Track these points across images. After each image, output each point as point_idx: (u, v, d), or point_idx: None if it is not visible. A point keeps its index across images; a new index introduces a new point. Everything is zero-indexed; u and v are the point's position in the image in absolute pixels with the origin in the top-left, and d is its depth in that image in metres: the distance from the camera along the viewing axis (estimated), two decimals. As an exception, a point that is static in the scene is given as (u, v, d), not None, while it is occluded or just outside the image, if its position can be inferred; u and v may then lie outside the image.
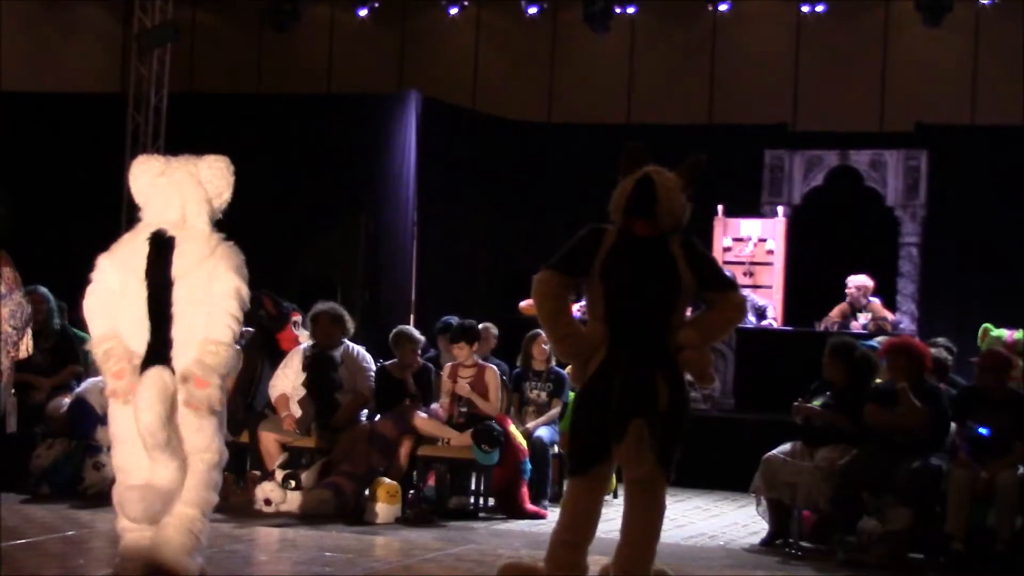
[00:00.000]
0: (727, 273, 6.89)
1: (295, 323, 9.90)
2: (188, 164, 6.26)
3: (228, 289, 6.02)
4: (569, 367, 6.35)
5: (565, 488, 6.35)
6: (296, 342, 9.78)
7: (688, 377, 6.24)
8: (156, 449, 5.84)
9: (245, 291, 6.10)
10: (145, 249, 6.04)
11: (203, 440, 6.06)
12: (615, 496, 10.28)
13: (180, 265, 6.03)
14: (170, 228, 6.08)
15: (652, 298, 6.08)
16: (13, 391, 7.01)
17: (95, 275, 6.11)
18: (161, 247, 6.03)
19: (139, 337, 5.98)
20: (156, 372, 5.91)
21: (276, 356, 9.79)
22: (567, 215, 12.85)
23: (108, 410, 6.18)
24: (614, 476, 10.14)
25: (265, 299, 9.85)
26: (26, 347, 6.80)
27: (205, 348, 5.95)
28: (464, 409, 9.19)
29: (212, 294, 6.01)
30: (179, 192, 6.13)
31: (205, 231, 6.16)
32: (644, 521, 6.16)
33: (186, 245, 6.05)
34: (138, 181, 6.22)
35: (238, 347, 9.59)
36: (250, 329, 10.10)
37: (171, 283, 6.01)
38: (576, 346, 6.07)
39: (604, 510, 9.52)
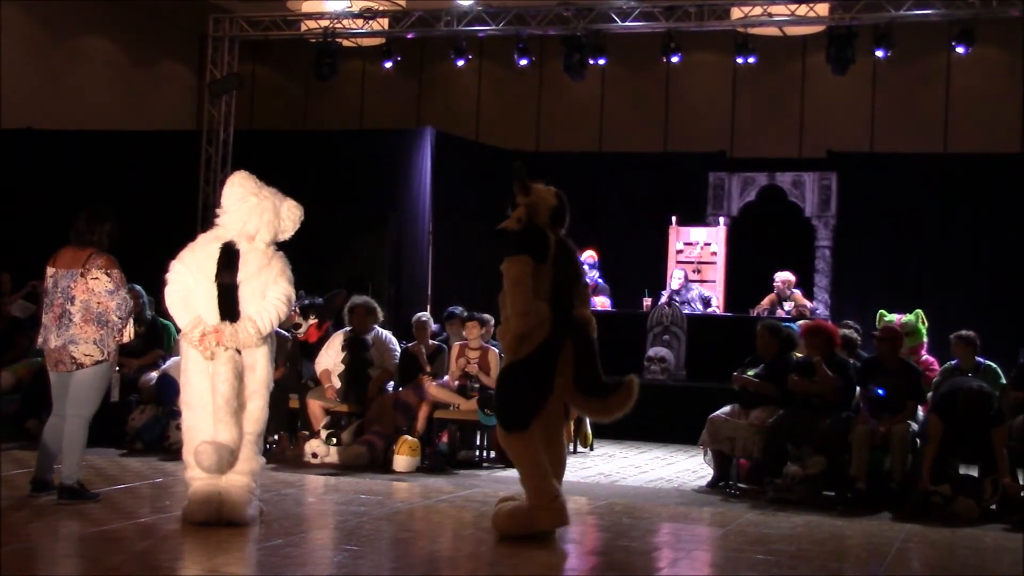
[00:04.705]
0: None
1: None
2: (276, 197, 6.19)
3: (280, 293, 6.07)
4: (501, 334, 6.12)
5: (515, 445, 6.04)
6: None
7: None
8: (227, 414, 5.85)
9: (293, 296, 6.17)
10: (216, 256, 6.05)
11: (252, 417, 6.08)
12: (591, 448, 10.29)
13: (245, 272, 6.04)
14: (240, 239, 6.08)
15: (574, 281, 6.25)
16: (117, 368, 7.00)
17: (170, 276, 6.12)
18: (230, 256, 6.05)
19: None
20: (230, 354, 5.93)
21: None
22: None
23: (181, 383, 6.20)
24: (590, 430, 10.17)
25: None
26: (129, 334, 6.78)
27: (244, 323, 5.99)
28: (477, 386, 9.17)
29: (268, 295, 6.06)
30: (260, 216, 6.08)
31: (265, 247, 6.16)
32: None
33: (249, 256, 6.07)
34: (233, 189, 6.12)
35: (288, 334, 9.65)
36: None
37: (237, 286, 6.03)
38: (532, 320, 5.98)
39: (582, 460, 9.57)
